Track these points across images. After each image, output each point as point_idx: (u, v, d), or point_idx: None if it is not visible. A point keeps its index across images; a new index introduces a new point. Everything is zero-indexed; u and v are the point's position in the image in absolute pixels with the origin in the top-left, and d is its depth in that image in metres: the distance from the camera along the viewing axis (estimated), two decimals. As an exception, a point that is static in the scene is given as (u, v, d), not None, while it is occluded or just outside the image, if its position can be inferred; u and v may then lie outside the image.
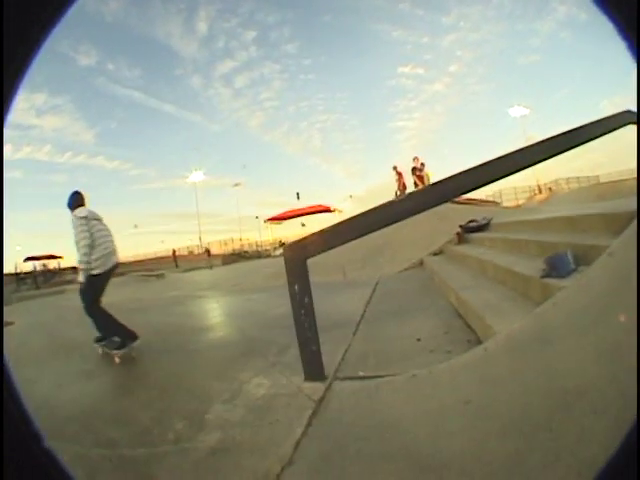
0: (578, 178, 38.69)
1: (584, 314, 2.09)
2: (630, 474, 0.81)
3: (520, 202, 33.53)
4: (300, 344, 2.81)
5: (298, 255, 2.84)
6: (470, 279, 4.98)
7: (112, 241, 4.24)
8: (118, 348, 4.03)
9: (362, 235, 2.94)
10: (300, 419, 2.22)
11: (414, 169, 14.84)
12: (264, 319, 5.59)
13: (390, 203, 3.08)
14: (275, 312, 5.72)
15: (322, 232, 3.09)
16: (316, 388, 2.60)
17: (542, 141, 3.20)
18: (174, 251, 41.02)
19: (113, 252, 4.18)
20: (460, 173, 2.98)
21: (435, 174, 14.43)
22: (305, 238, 3.12)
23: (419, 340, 3.47)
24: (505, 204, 32.16)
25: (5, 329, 8.33)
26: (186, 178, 53.07)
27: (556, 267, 3.20)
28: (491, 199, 27.81)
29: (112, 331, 4.07)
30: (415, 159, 15.07)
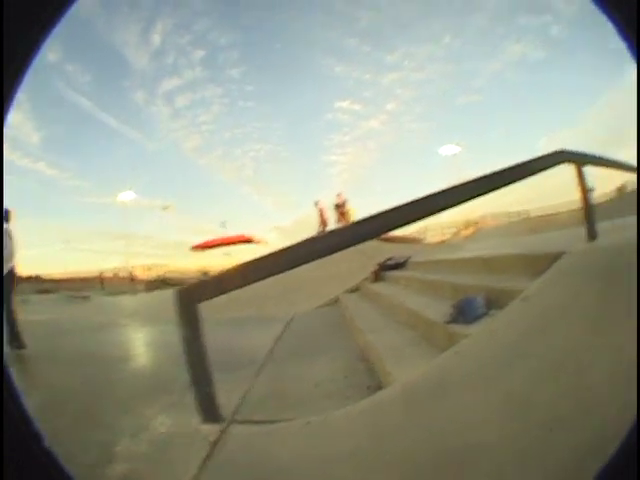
0: (508, 213, 40.83)
1: (488, 364, 2.07)
2: (630, 474, 0.83)
3: (445, 238, 34.60)
4: (194, 387, 2.76)
5: (188, 300, 2.81)
6: (380, 320, 4.94)
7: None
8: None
9: (258, 280, 2.85)
10: (196, 459, 2.21)
11: (337, 205, 14.93)
12: (176, 353, 5.23)
13: (295, 245, 2.95)
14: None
15: (215, 277, 3.03)
16: (212, 430, 2.58)
17: (473, 180, 3.07)
18: (101, 273, 39.17)
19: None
20: (384, 212, 2.88)
21: (357, 211, 14.60)
22: (196, 283, 3.19)
23: (317, 386, 3.43)
24: (430, 240, 33.03)
25: None
26: (116, 196, 50.75)
27: (464, 312, 3.13)
28: (415, 235, 28.63)
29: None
30: (338, 195, 15.11)
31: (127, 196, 48.81)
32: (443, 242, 29.64)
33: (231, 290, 2.86)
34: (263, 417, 2.80)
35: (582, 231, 3.83)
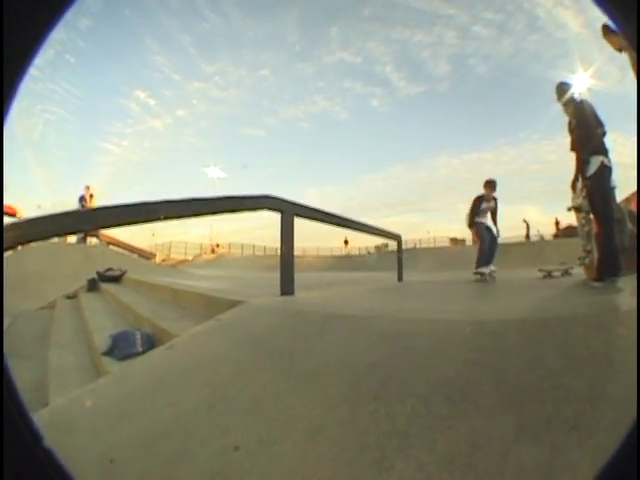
0: (254, 246, 42.55)
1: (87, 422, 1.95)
2: (630, 474, 0.80)
3: (187, 257, 34.51)
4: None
5: None
6: (70, 334, 4.85)
7: None
8: None
9: None
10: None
11: (82, 197, 13.75)
12: None
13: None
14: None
15: None
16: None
17: (195, 199, 3.43)
18: None
19: None
20: (107, 207, 2.94)
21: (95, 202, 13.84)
22: None
23: None
24: (173, 256, 32.61)
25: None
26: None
27: (119, 346, 3.08)
28: (151, 250, 27.40)
29: None
30: (87, 187, 14.23)
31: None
32: (184, 261, 29.73)
33: None
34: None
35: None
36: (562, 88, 4.42)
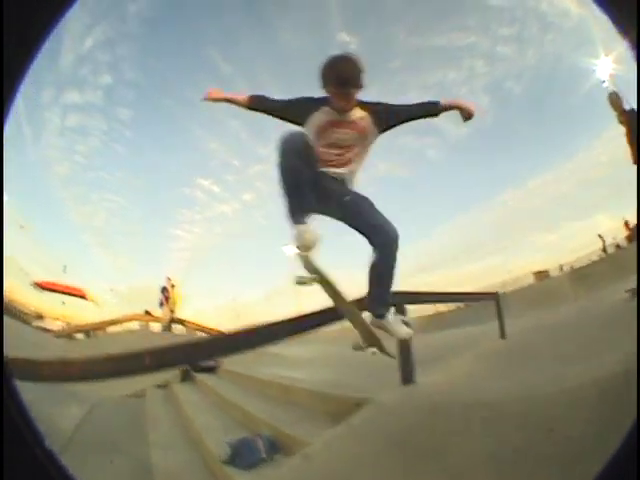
0: None
1: None
2: (630, 474, 0.82)
3: None
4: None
5: None
6: (171, 433, 4.58)
7: None
8: None
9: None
10: None
11: (164, 289, 14.33)
12: None
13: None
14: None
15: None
16: None
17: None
18: None
19: None
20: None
21: (183, 297, 14.39)
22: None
23: None
24: None
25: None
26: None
27: (240, 454, 2.91)
28: None
29: None
30: (168, 279, 14.58)
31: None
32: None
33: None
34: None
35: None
36: (613, 98, 4.40)
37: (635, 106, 4.42)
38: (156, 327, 14.08)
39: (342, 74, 2.16)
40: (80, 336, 13.09)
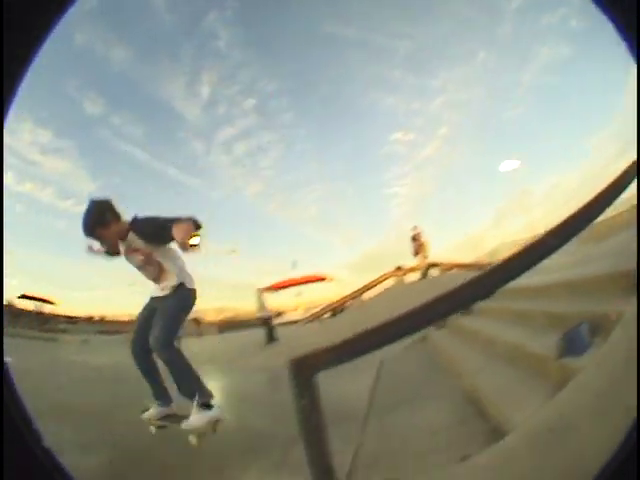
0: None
1: (605, 397, 1.90)
2: (630, 474, 0.83)
3: None
4: (306, 447, 2.34)
5: (304, 369, 2.67)
6: (480, 359, 4.54)
7: None
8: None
9: (377, 348, 2.82)
10: None
11: (414, 238, 14.98)
12: (270, 406, 4.95)
13: (408, 313, 2.90)
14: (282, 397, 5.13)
15: (332, 346, 2.88)
16: None
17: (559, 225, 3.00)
18: None
19: None
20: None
21: (428, 243, 14.76)
22: (313, 352, 2.93)
23: (434, 434, 3.24)
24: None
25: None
26: (182, 242, 54.66)
27: (572, 344, 2.97)
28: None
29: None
30: (414, 228, 15.22)
31: (193, 241, 52.06)
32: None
33: (349, 360, 2.74)
34: (381, 477, 2.59)
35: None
36: None
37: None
38: (408, 279, 14.62)
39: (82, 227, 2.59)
40: (326, 316, 14.59)
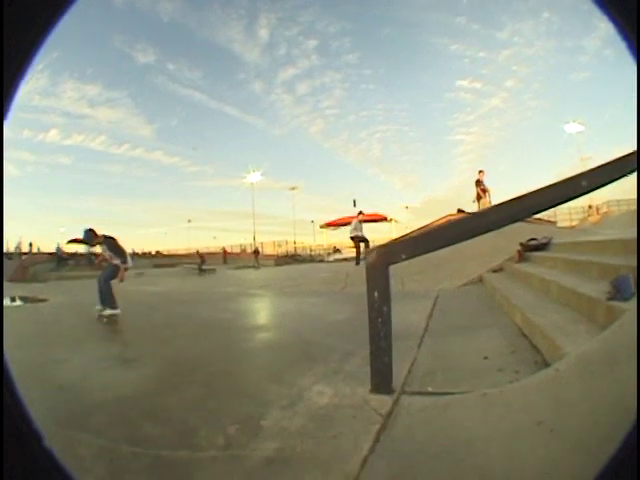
0: (628, 201, 35.00)
1: None
2: (630, 474, 0.81)
3: (574, 223, 31.57)
4: (372, 353, 2.64)
5: (381, 261, 2.68)
6: (534, 299, 4.76)
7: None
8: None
9: (449, 244, 2.93)
10: (367, 434, 2.06)
11: (478, 182, 14.80)
12: (321, 324, 5.42)
13: (478, 214, 2.96)
14: (333, 318, 5.66)
15: (407, 238, 3.02)
16: (383, 401, 2.44)
17: (606, 163, 2.90)
18: (224, 249, 42.13)
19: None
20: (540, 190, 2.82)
21: (493, 189, 14.65)
22: (390, 243, 3.14)
23: (486, 358, 3.41)
24: (560, 224, 30.60)
25: (35, 305, 9.53)
26: (244, 178, 54.25)
27: (620, 290, 3.16)
28: (546, 218, 26.49)
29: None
30: (481, 172, 15.18)
31: (254, 178, 52.36)
32: (573, 227, 27.10)
33: (422, 253, 2.82)
34: (435, 389, 2.68)
35: None
36: None
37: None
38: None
39: None
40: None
